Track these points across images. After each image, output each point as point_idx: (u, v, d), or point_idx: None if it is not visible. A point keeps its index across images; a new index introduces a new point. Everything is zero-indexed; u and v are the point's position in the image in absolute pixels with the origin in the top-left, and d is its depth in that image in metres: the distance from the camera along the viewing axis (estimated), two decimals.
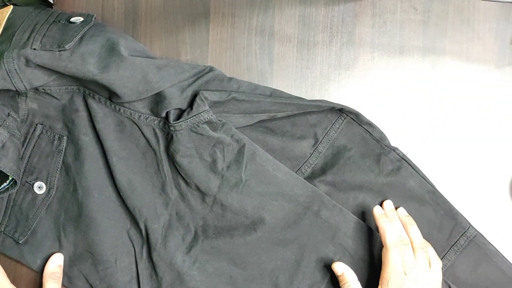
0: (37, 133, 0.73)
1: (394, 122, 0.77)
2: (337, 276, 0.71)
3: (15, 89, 0.67)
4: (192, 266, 0.73)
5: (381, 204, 0.74)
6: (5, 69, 0.65)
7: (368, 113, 0.75)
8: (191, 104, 0.70)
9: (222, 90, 0.72)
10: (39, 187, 0.73)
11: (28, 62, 0.66)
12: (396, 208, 0.74)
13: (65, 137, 0.73)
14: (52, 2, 0.74)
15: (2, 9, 0.71)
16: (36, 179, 0.73)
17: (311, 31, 0.77)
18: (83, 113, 0.72)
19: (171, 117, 0.70)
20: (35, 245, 0.74)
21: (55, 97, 0.72)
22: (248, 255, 0.73)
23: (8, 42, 0.67)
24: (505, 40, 0.77)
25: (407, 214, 0.73)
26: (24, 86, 0.68)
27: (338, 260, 0.73)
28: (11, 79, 0.66)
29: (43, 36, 0.68)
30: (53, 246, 0.74)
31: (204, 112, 0.69)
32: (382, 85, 0.77)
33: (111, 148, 0.72)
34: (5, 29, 0.69)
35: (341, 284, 0.71)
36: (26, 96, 0.72)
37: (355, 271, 0.72)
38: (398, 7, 0.77)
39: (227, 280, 0.74)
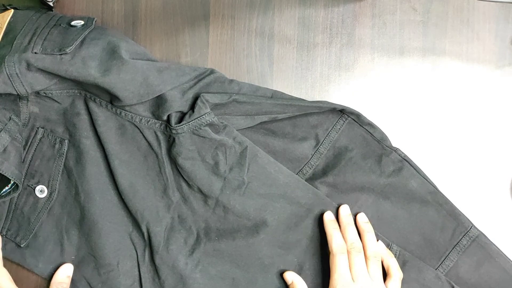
0: (39, 136, 0.73)
1: (395, 122, 0.77)
2: (288, 284, 0.72)
3: (16, 93, 0.67)
4: (195, 268, 0.73)
5: (379, 205, 0.74)
6: (7, 73, 0.65)
7: (369, 114, 0.75)
8: (192, 107, 0.70)
9: (223, 92, 0.72)
10: (41, 191, 0.73)
11: (29, 66, 0.66)
12: (357, 213, 0.73)
13: (66, 141, 0.73)
14: (52, 5, 0.74)
15: (2, 13, 0.71)
16: (38, 183, 0.73)
17: (311, 32, 0.77)
18: (84, 117, 0.72)
19: (173, 120, 0.70)
20: (37, 249, 0.74)
21: (56, 101, 0.72)
22: (250, 258, 0.73)
23: (9, 46, 0.67)
24: (505, 40, 0.77)
25: (367, 221, 0.73)
26: (26, 90, 0.67)
27: None
28: (12, 83, 0.66)
29: (44, 40, 0.68)
30: (55, 249, 0.74)
31: (206, 115, 0.69)
32: (383, 86, 0.77)
33: (112, 152, 0.72)
34: (6, 33, 0.69)
35: None
36: (28, 100, 0.72)
37: None
38: (397, 8, 0.77)
39: (230, 282, 0.74)
